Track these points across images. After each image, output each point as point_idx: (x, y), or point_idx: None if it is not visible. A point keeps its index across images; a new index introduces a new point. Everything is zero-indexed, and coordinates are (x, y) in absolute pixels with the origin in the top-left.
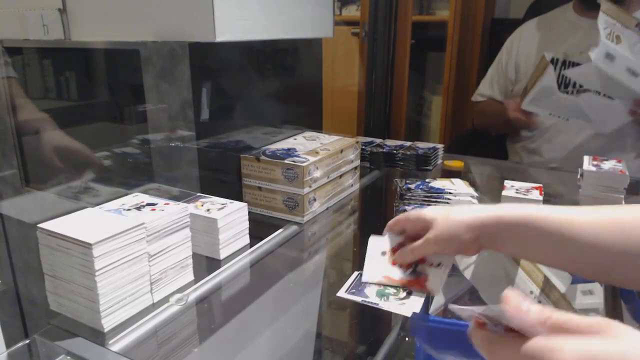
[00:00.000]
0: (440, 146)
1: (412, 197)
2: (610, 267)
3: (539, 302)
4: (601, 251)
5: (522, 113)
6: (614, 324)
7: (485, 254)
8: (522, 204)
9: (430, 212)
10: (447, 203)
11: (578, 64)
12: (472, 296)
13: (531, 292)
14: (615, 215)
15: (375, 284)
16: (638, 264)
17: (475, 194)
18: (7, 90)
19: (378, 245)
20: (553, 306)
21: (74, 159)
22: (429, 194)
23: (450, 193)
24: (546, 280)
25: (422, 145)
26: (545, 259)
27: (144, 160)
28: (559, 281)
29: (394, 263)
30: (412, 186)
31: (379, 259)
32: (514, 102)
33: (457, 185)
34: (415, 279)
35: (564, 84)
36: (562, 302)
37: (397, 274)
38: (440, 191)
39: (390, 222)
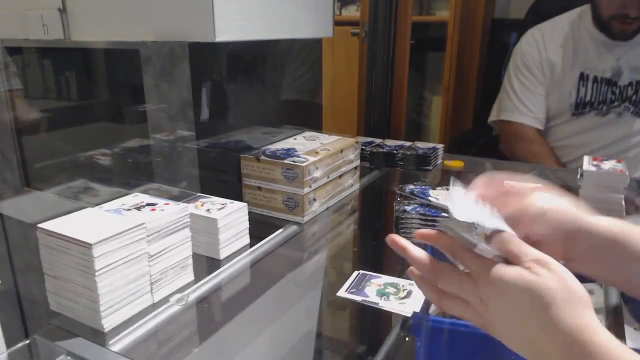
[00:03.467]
0: (440, 146)
1: (408, 221)
2: None
3: None
4: None
5: None
6: (552, 262)
7: None
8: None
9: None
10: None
11: (608, 80)
12: None
13: None
14: None
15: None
16: None
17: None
18: (8, 92)
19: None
20: None
21: None
22: (425, 216)
23: (445, 215)
24: None
25: (422, 145)
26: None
27: (144, 160)
28: None
29: None
30: (409, 208)
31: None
32: None
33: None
34: None
35: (597, 102)
36: None
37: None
38: (436, 215)
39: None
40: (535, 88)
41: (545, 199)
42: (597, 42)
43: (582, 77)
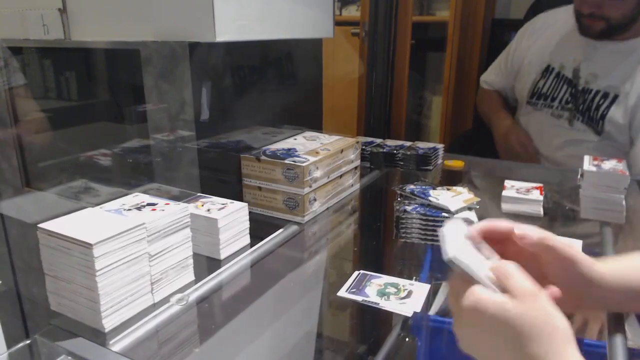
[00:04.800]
0: (440, 146)
1: (408, 221)
2: None
3: None
4: None
5: (524, 147)
6: (539, 299)
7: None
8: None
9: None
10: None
11: (569, 80)
12: None
13: None
14: None
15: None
16: None
17: (474, 220)
18: (7, 91)
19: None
20: None
21: None
22: (425, 216)
23: (446, 215)
24: None
25: (422, 145)
26: None
27: (144, 160)
28: None
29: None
30: (409, 208)
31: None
32: (524, 136)
33: (456, 201)
34: None
35: (551, 97)
36: None
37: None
38: (437, 215)
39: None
40: (503, 68)
41: (552, 256)
42: (576, 38)
43: (547, 70)
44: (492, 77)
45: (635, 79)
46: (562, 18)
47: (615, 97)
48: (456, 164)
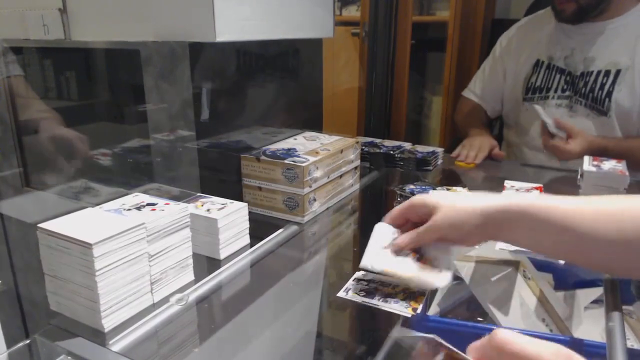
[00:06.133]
0: (439, 150)
1: None
2: (608, 258)
3: (551, 330)
4: (600, 242)
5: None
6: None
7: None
8: (528, 194)
9: (435, 197)
10: None
11: (562, 69)
12: (470, 305)
13: (543, 320)
14: (612, 205)
15: (374, 272)
16: (636, 254)
17: None
18: (8, 90)
19: (383, 234)
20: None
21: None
22: None
23: None
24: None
25: (421, 149)
26: (547, 250)
27: (144, 160)
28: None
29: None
30: None
31: (382, 250)
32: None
33: None
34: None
35: (546, 88)
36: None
37: (399, 267)
38: None
39: (393, 213)
40: (494, 71)
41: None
42: (557, 28)
43: (537, 64)
44: (477, 85)
45: (636, 52)
46: (544, 15)
47: (618, 72)
48: (467, 163)
